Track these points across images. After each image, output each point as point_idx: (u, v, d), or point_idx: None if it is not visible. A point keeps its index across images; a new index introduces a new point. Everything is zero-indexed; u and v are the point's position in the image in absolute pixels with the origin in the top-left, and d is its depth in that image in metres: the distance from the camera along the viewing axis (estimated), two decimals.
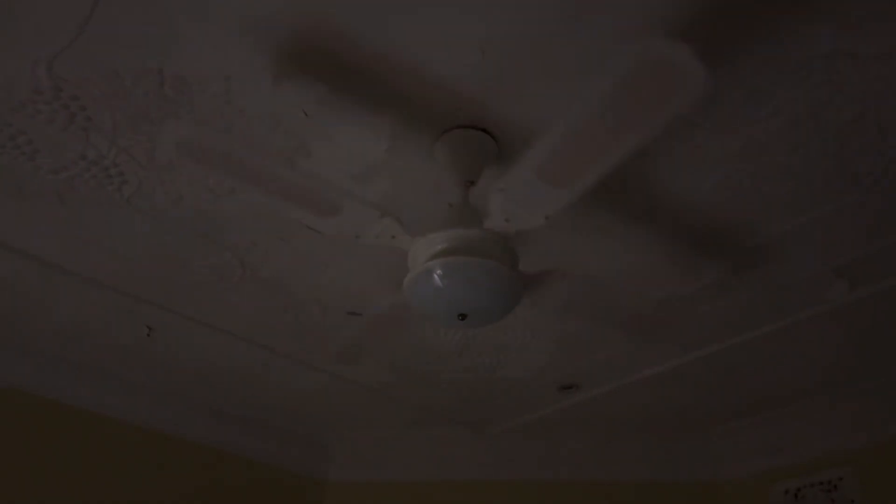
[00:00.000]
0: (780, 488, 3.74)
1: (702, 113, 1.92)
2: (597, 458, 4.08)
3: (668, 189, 2.19)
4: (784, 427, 3.78)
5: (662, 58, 1.37)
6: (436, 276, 1.77)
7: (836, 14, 1.66)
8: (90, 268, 2.63)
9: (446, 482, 4.09)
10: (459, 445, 4.12)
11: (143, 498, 3.39)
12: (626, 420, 3.91)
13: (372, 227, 1.83)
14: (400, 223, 1.82)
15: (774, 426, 3.82)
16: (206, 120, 1.96)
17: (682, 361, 3.25)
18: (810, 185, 2.19)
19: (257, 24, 1.69)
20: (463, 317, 1.82)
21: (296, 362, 3.30)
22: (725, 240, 2.43)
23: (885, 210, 2.28)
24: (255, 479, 3.86)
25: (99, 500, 3.23)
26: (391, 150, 2.05)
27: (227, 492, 3.73)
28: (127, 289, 2.75)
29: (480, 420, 3.94)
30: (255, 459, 3.88)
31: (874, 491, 3.40)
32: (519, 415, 3.86)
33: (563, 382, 3.48)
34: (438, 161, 2.03)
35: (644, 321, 2.85)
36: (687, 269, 2.57)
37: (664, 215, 2.30)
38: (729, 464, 4.00)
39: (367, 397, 3.68)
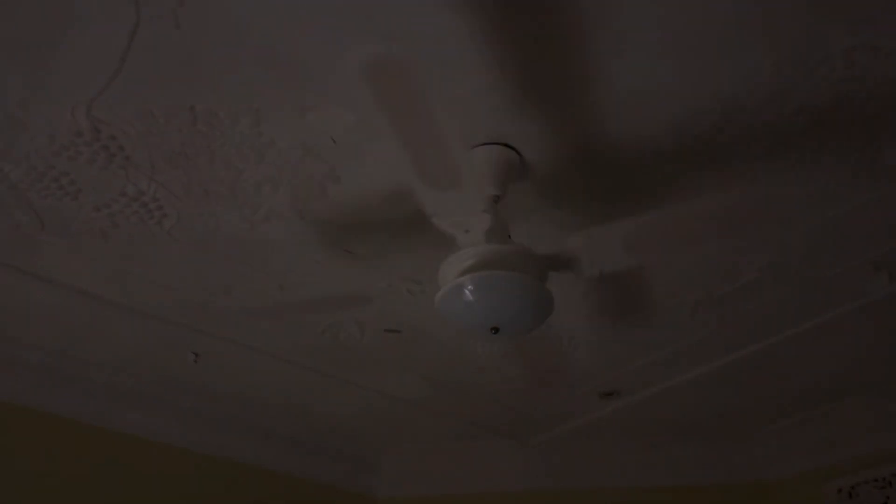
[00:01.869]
0: (832, 487, 3.67)
1: (721, 118, 1.93)
2: (642, 464, 4.06)
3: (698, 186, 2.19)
4: (833, 424, 3.72)
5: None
6: (467, 290, 1.80)
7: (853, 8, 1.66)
8: (136, 299, 2.72)
9: (492, 494, 4.09)
10: (503, 456, 4.13)
11: None
12: (669, 424, 3.88)
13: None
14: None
15: (823, 424, 3.75)
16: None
17: (723, 362, 3.22)
18: (840, 178, 2.17)
19: (282, 57, 1.75)
20: (496, 330, 1.85)
21: (338, 381, 3.36)
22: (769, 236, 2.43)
23: None
24: (303, 498, 3.91)
25: None
26: (417, 170, 2.09)
27: None
28: (172, 317, 2.84)
29: (523, 430, 3.95)
30: (303, 478, 3.93)
31: None
32: (561, 424, 3.85)
33: (604, 389, 3.48)
34: (465, 178, 2.06)
35: (683, 323, 2.87)
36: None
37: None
38: (778, 464, 3.94)
39: (410, 412, 3.71)
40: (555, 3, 1.61)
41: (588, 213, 2.24)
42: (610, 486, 4.05)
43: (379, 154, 2.04)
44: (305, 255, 2.47)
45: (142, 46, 1.72)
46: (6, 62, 1.77)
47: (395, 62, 1.54)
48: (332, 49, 1.73)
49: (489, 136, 1.99)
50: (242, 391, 3.47)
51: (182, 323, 2.88)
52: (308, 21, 1.66)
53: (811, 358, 3.20)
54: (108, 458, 3.27)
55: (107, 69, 1.78)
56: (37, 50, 1.73)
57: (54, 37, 1.70)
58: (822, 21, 1.69)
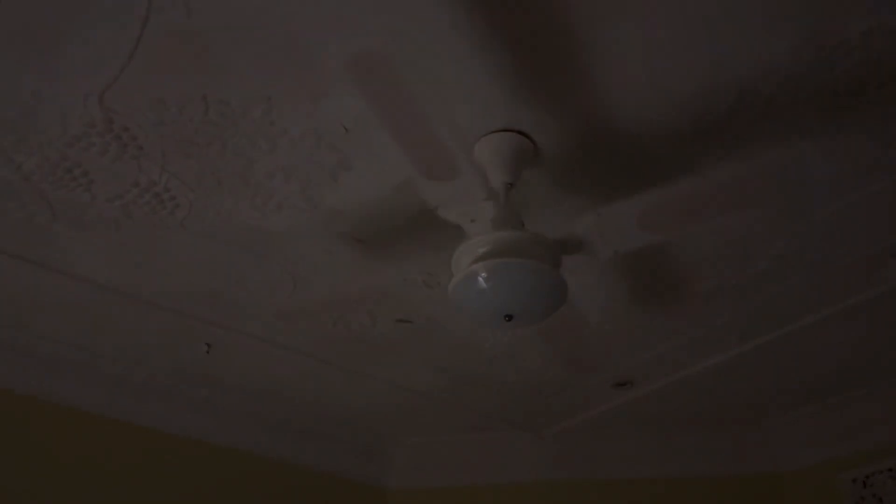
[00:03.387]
0: (847, 476, 3.66)
1: (737, 102, 1.92)
2: (656, 454, 4.05)
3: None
4: (847, 414, 3.70)
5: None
6: (480, 278, 1.80)
7: None
8: (149, 290, 2.73)
9: (505, 485, 4.10)
10: (517, 447, 4.13)
11: None
12: (683, 414, 3.87)
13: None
14: (492, 212, 1.89)
15: (837, 413, 3.73)
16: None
17: (738, 352, 3.20)
18: (856, 164, 2.15)
19: (294, 45, 1.75)
20: (509, 318, 1.85)
21: (350, 372, 3.36)
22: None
23: None
24: (316, 489, 3.92)
25: None
26: (430, 158, 2.08)
27: (291, 502, 3.80)
28: (184, 308, 2.85)
29: (537, 421, 3.95)
30: (315, 469, 3.94)
31: None
32: (575, 414, 3.85)
33: (618, 379, 3.47)
34: (477, 165, 2.06)
35: (696, 312, 2.86)
36: None
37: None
38: (792, 454, 3.92)
39: (422, 403, 3.72)
40: None
41: (602, 198, 2.22)
42: (623, 477, 4.04)
43: (391, 142, 2.03)
44: (318, 245, 2.47)
45: (153, 36, 1.72)
46: (19, 53, 1.77)
47: (392, 53, 1.53)
48: (343, 36, 1.72)
49: (501, 123, 1.97)
50: (254, 382, 3.48)
51: (194, 314, 2.88)
52: (320, 9, 1.65)
53: (825, 347, 3.19)
54: (120, 448, 3.29)
55: (118, 59, 1.78)
56: (49, 40, 1.74)
57: (66, 27, 1.70)
58: (839, 4, 1.67)
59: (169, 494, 3.36)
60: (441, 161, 2.02)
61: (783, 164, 2.13)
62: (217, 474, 3.57)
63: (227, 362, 3.28)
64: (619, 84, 1.86)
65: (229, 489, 3.58)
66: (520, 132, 1.99)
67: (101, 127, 1.98)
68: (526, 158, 2.01)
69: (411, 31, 1.71)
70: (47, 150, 2.06)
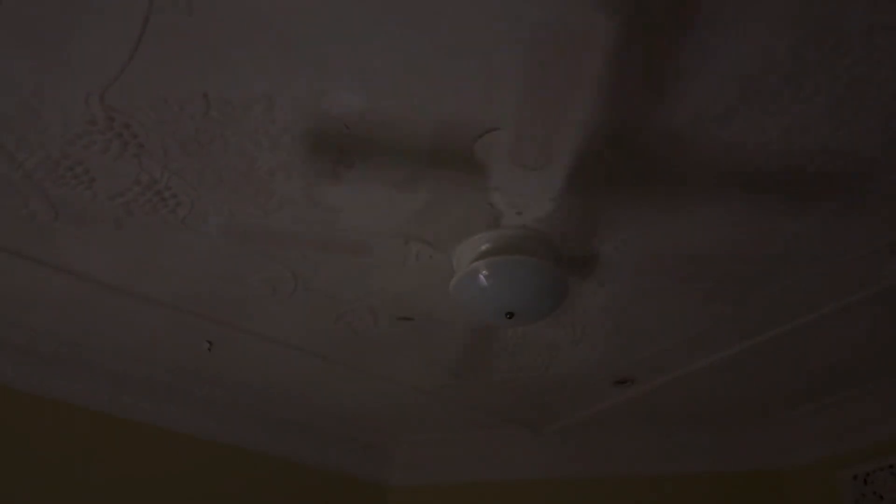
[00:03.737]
0: (847, 474, 3.66)
1: (739, 100, 1.91)
2: (656, 452, 4.05)
3: (714, 170, 2.18)
4: (848, 411, 3.71)
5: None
6: (481, 276, 1.80)
7: None
8: (150, 288, 2.73)
9: (505, 482, 4.11)
10: (518, 445, 4.13)
11: None
12: (684, 412, 3.87)
13: (408, 255, 1.89)
14: (428, 244, 1.86)
15: (838, 411, 3.74)
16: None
17: (738, 350, 3.21)
18: (856, 162, 2.15)
19: (295, 43, 1.75)
20: (510, 315, 1.85)
21: (352, 370, 3.37)
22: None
23: None
24: (317, 486, 3.93)
25: None
26: (431, 157, 2.08)
27: (292, 500, 3.80)
28: (185, 306, 2.85)
29: (537, 418, 3.95)
30: (316, 467, 3.95)
31: None
32: (576, 411, 3.85)
33: (618, 377, 3.47)
34: (477, 164, 2.05)
35: (697, 310, 2.86)
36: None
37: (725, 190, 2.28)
38: (793, 451, 3.93)
39: (423, 400, 3.72)
40: None
41: (603, 197, 2.22)
42: (624, 475, 4.05)
43: (392, 139, 2.03)
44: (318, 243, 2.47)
45: (154, 33, 1.72)
46: (20, 51, 1.77)
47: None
48: (345, 34, 1.72)
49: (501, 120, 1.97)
50: (256, 380, 3.48)
51: (196, 312, 2.89)
52: (320, 6, 1.65)
53: (826, 344, 3.19)
54: (121, 445, 3.29)
55: (120, 57, 1.78)
56: (50, 38, 1.74)
57: (68, 25, 1.70)
58: (839, 2, 1.66)
59: (169, 492, 3.36)
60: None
61: (783, 160, 2.13)
62: (218, 472, 3.58)
63: (229, 360, 3.28)
64: (626, 85, 1.85)
65: (230, 486, 3.59)
66: None
67: (102, 125, 1.98)
68: None
69: (412, 26, 1.70)
70: (49, 148, 2.06)
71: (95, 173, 2.16)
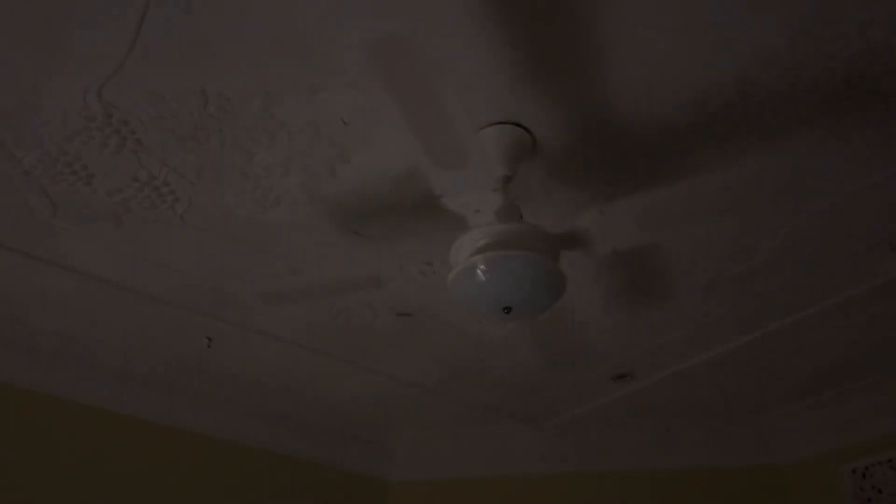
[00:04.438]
0: (846, 468, 3.66)
1: (736, 95, 1.91)
2: (656, 447, 4.06)
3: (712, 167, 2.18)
4: (847, 405, 3.71)
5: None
6: (479, 271, 1.80)
7: None
8: (149, 284, 2.74)
9: (506, 478, 4.11)
10: (517, 440, 4.14)
11: None
12: (683, 407, 3.87)
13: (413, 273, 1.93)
14: (498, 204, 1.90)
15: (836, 405, 3.74)
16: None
17: (737, 344, 3.21)
18: (855, 155, 2.15)
19: (292, 38, 1.75)
20: (508, 310, 1.85)
21: (351, 366, 3.37)
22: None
23: None
24: (317, 481, 3.93)
25: None
26: (429, 150, 2.08)
27: (292, 496, 3.81)
28: (185, 302, 2.85)
29: (536, 414, 3.96)
30: (316, 462, 3.95)
31: None
32: (574, 407, 3.85)
33: (617, 372, 3.48)
34: (474, 158, 2.05)
35: (696, 305, 2.86)
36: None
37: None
38: (792, 446, 3.93)
39: (423, 396, 3.72)
40: None
41: (601, 192, 2.23)
42: (623, 470, 4.05)
43: (389, 135, 2.03)
44: (317, 238, 2.47)
45: (152, 29, 1.72)
46: (18, 47, 1.77)
47: (402, 40, 1.53)
48: (341, 28, 1.72)
49: (500, 115, 1.98)
50: (255, 375, 3.49)
51: (195, 307, 2.89)
52: (318, 2, 1.65)
53: (825, 339, 3.19)
54: (121, 442, 3.29)
55: (118, 52, 1.78)
56: (48, 35, 1.74)
57: (65, 21, 1.70)
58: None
59: (170, 488, 3.37)
60: (450, 150, 2.00)
61: (781, 157, 2.13)
62: (217, 467, 3.58)
63: (228, 356, 3.28)
64: (617, 77, 1.86)
65: (230, 482, 3.59)
66: (518, 125, 1.99)
67: (100, 121, 1.98)
68: (525, 151, 2.02)
69: (408, 21, 1.70)
70: (47, 145, 2.06)
71: (94, 170, 2.16)
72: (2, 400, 3.02)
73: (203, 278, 2.70)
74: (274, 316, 2.95)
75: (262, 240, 2.49)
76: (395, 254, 2.55)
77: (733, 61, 1.82)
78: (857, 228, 2.48)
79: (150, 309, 2.89)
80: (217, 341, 3.14)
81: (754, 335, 3.14)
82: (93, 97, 1.90)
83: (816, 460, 3.82)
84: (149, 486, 3.30)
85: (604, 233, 1.91)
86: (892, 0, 1.69)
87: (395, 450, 4.24)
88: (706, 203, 1.94)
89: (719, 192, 2.07)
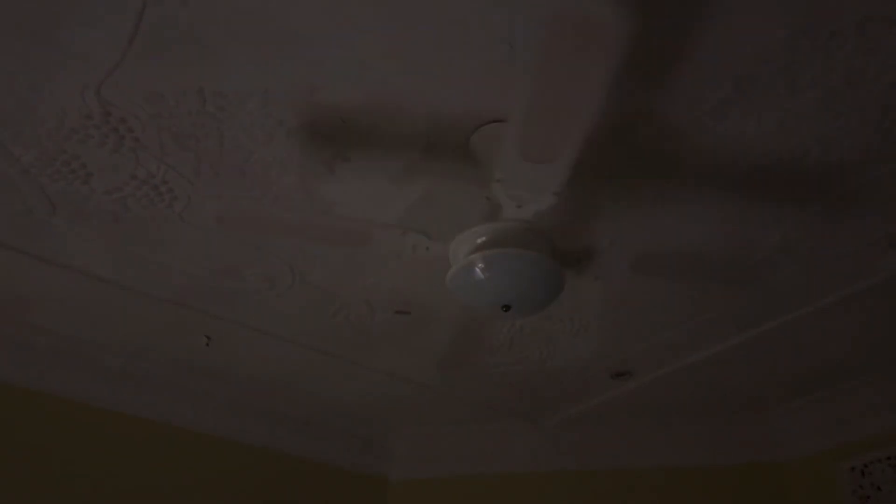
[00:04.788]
0: (845, 465, 3.67)
1: (734, 91, 1.91)
2: (655, 444, 4.06)
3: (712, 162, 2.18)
4: (846, 403, 3.71)
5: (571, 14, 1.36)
6: (477, 269, 1.80)
7: None
8: (147, 282, 2.73)
9: (504, 475, 4.11)
10: (516, 438, 4.14)
11: (211, 503, 3.49)
12: (682, 404, 3.88)
13: (405, 246, 1.90)
14: (425, 235, 1.87)
15: (836, 403, 3.75)
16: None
17: (737, 342, 3.21)
18: (852, 154, 2.15)
19: (290, 36, 1.75)
20: (507, 308, 1.86)
21: (350, 363, 3.37)
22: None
23: None
24: (316, 480, 3.94)
25: None
26: (427, 149, 2.09)
27: (291, 494, 3.81)
28: (183, 301, 2.85)
29: (535, 411, 3.96)
30: (316, 460, 3.95)
31: None
32: (574, 405, 3.86)
33: (616, 370, 3.48)
34: (474, 156, 2.06)
35: (695, 303, 2.86)
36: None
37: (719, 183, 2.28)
38: (791, 443, 3.94)
39: (422, 394, 3.73)
40: None
41: (599, 189, 2.23)
42: (623, 467, 4.06)
43: (387, 132, 2.03)
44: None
45: (150, 27, 1.71)
46: (16, 45, 1.77)
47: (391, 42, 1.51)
48: (339, 27, 1.72)
49: (497, 114, 1.97)
50: (254, 374, 3.49)
51: (194, 306, 2.89)
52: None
53: (824, 336, 3.19)
54: (120, 440, 3.29)
55: (115, 51, 1.78)
56: (45, 33, 1.73)
57: (63, 19, 1.70)
58: None
59: (169, 486, 3.37)
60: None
61: (780, 153, 2.13)
62: (217, 466, 3.58)
63: (227, 354, 3.28)
64: (621, 79, 1.86)
65: (229, 481, 3.60)
66: None
67: (98, 119, 1.98)
68: None
69: (407, 19, 1.70)
70: (45, 143, 2.06)
71: (92, 168, 2.16)
72: None
73: (201, 276, 2.70)
74: (273, 314, 2.95)
75: (260, 239, 2.48)
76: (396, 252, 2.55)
77: (731, 60, 1.82)
78: (856, 226, 2.48)
79: (148, 307, 2.89)
80: (215, 340, 3.14)
81: (754, 333, 3.14)
82: (91, 95, 1.90)
83: (816, 458, 3.83)
84: (148, 485, 3.30)
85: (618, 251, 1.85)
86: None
87: (395, 447, 4.25)
88: (709, 198, 1.91)
89: (720, 189, 2.05)
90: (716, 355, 3.32)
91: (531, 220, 1.85)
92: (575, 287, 2.72)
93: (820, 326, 3.09)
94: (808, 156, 2.15)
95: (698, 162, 2.15)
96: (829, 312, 2.97)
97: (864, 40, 1.78)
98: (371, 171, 2.16)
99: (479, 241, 1.84)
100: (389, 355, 3.30)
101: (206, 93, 1.90)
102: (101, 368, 3.27)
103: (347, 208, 2.32)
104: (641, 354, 3.33)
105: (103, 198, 2.28)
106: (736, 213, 2.39)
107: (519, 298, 1.86)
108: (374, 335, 3.11)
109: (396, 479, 4.21)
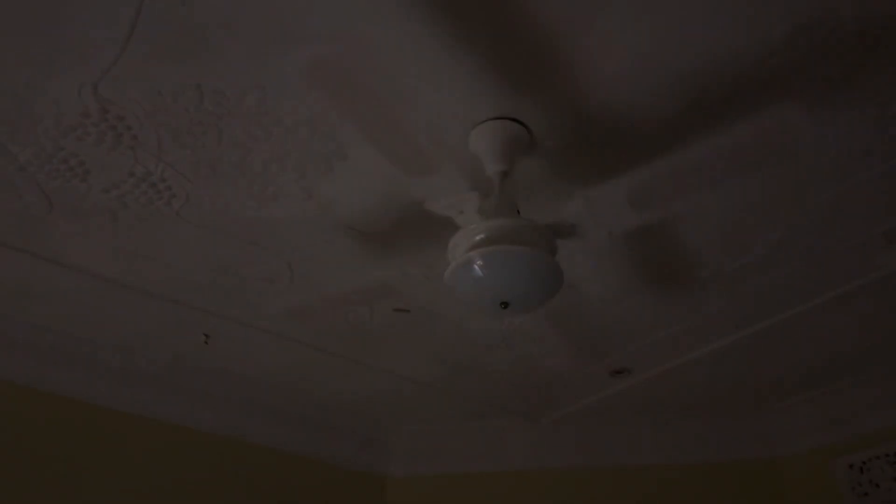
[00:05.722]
0: (843, 462, 3.67)
1: (733, 88, 1.91)
2: (653, 441, 4.07)
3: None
4: (844, 400, 3.72)
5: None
6: (476, 266, 1.80)
7: None
8: (145, 280, 2.73)
9: (503, 472, 4.12)
10: (515, 435, 4.14)
11: (211, 501, 3.49)
12: (680, 402, 3.88)
13: (449, 197, 1.92)
14: (477, 202, 1.88)
15: (834, 399, 3.75)
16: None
17: (735, 339, 3.21)
18: (852, 149, 2.15)
19: (288, 33, 1.75)
20: (505, 305, 1.85)
21: (348, 362, 3.37)
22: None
23: None
24: (315, 477, 3.93)
25: None
26: (426, 145, 2.08)
27: (290, 491, 3.81)
28: (181, 298, 2.85)
29: (534, 409, 3.96)
30: (315, 458, 3.95)
31: None
32: (572, 402, 3.86)
33: (614, 367, 3.48)
34: (473, 153, 2.06)
35: (693, 300, 2.86)
36: None
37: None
38: (789, 440, 3.94)
39: (420, 392, 3.73)
40: None
41: (597, 182, 2.22)
42: (620, 465, 4.06)
43: (385, 129, 2.03)
44: (314, 235, 2.47)
45: (147, 24, 1.71)
46: (12, 42, 1.76)
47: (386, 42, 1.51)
48: (337, 24, 1.72)
49: (494, 111, 1.97)
50: (253, 372, 3.49)
51: (192, 304, 2.89)
52: None
53: (823, 333, 3.20)
54: (118, 439, 3.29)
55: (113, 48, 1.78)
56: (42, 30, 1.73)
57: (60, 16, 1.70)
58: None
59: (167, 484, 3.36)
60: (421, 156, 2.01)
61: (779, 150, 2.13)
62: (217, 464, 3.58)
63: (226, 352, 3.28)
64: (611, 69, 1.86)
65: (229, 479, 3.59)
66: (514, 119, 1.99)
67: (95, 117, 1.97)
68: (521, 146, 2.01)
69: (401, 20, 1.70)
70: (42, 141, 2.05)
71: (90, 166, 2.15)
72: None
73: (200, 274, 2.69)
74: (271, 312, 2.94)
75: (259, 236, 2.48)
76: (395, 251, 2.55)
77: (730, 54, 1.82)
78: (854, 222, 2.48)
79: (146, 305, 2.89)
80: (214, 338, 3.14)
81: (752, 330, 3.14)
82: (88, 93, 1.89)
83: (814, 455, 3.83)
84: (146, 482, 3.29)
85: (596, 217, 1.89)
86: None
87: (394, 445, 4.25)
88: (697, 175, 1.91)
89: (711, 161, 2.05)
90: (714, 352, 3.32)
91: (530, 218, 1.85)
92: (574, 285, 2.73)
93: (818, 323, 3.09)
94: (805, 150, 2.15)
95: (689, 142, 2.15)
96: (827, 309, 2.98)
97: (864, 37, 1.78)
98: (370, 170, 2.17)
99: (476, 238, 1.84)
100: (388, 353, 3.30)
101: (204, 90, 1.90)
102: (99, 366, 3.27)
103: (345, 207, 2.32)
104: (639, 352, 3.33)
105: (101, 195, 2.28)
106: (733, 210, 2.39)
107: (517, 296, 1.86)
108: (373, 333, 3.11)
109: (395, 477, 4.21)
